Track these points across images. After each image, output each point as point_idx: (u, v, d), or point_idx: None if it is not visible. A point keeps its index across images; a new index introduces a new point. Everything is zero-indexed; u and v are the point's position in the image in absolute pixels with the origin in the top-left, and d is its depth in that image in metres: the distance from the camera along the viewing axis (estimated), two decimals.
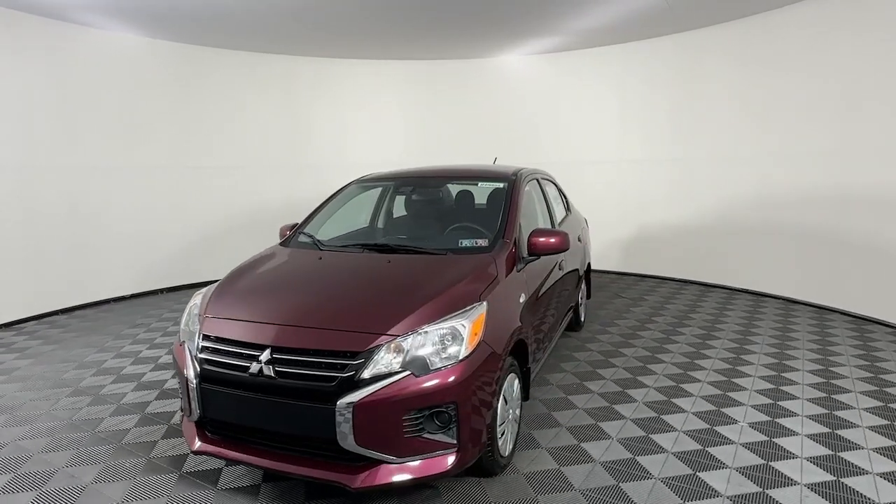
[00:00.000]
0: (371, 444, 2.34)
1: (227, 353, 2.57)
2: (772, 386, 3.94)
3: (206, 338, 2.67)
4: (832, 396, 3.77)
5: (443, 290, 2.70)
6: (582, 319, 5.33)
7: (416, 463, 2.41)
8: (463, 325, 2.52)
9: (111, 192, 6.52)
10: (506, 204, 3.54)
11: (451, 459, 2.44)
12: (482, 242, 3.28)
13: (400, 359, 2.39)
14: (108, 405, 3.76)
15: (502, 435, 2.82)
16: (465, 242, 3.31)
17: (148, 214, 6.88)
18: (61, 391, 4.01)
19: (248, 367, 2.47)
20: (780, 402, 3.68)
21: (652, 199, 7.53)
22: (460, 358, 2.45)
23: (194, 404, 2.61)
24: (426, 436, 2.41)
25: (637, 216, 7.73)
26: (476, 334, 2.55)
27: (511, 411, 2.94)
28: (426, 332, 2.46)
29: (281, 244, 3.63)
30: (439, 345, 2.45)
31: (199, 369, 2.60)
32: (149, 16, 5.85)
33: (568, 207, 5.22)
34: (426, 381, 2.37)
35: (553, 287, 3.91)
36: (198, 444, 2.66)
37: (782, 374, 4.15)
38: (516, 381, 3.02)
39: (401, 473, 2.38)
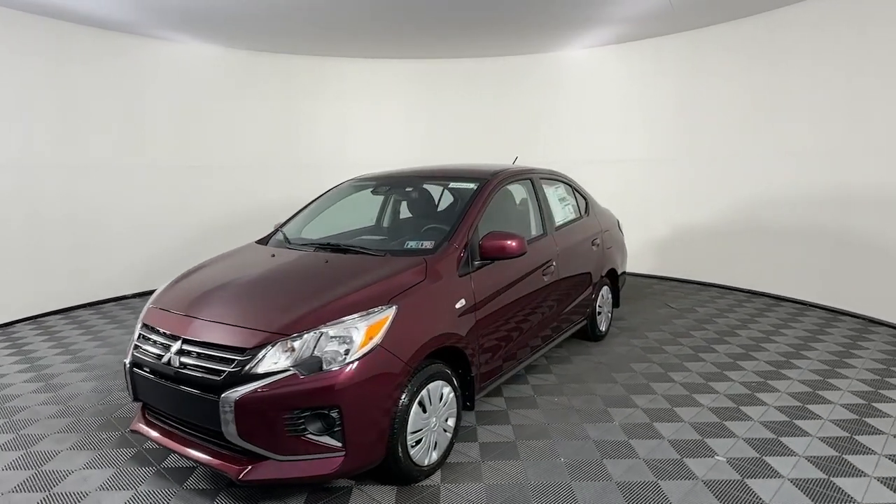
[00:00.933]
0: (253, 440, 2.40)
1: (152, 342, 2.76)
2: None
3: (143, 326, 2.89)
4: None
5: (351, 292, 2.69)
6: (602, 329, 4.99)
7: (300, 462, 2.43)
8: (356, 328, 2.49)
9: (111, 192, 6.47)
10: (465, 206, 3.43)
11: (336, 463, 2.43)
12: (428, 245, 3.20)
13: (290, 358, 2.42)
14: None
15: (418, 443, 2.74)
16: (412, 244, 3.26)
17: (148, 214, 6.81)
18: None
19: (162, 356, 2.64)
20: None
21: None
22: (347, 361, 2.43)
23: (129, 387, 2.84)
24: (310, 437, 2.42)
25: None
26: (371, 338, 2.50)
27: (435, 420, 2.85)
28: (319, 332, 2.46)
29: (257, 241, 3.81)
30: (330, 346, 2.45)
31: (132, 355, 2.82)
32: (146, 14, 5.80)
33: (586, 209, 4.92)
34: (309, 382, 2.37)
35: (533, 294, 3.72)
36: (134, 423, 2.89)
37: None
38: (446, 389, 2.92)
39: (283, 471, 2.41)
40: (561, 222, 4.37)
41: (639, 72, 7.39)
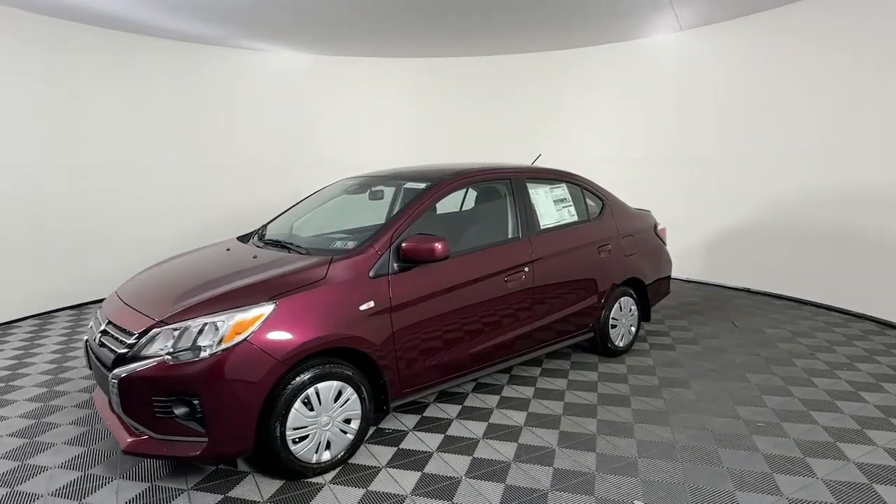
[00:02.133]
0: (133, 416, 2.65)
1: (97, 322, 3.16)
2: None
3: (99, 308, 3.32)
4: None
5: (240, 287, 2.81)
6: (618, 343, 4.54)
7: (173, 442, 2.62)
8: (223, 321, 2.62)
9: (113, 192, 6.48)
10: (400, 208, 3.37)
11: (200, 447, 2.58)
12: (352, 244, 3.21)
13: (169, 344, 2.62)
14: None
15: (302, 439, 2.79)
16: (339, 244, 3.29)
17: (148, 214, 6.81)
18: None
19: (95, 335, 3.02)
20: None
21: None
22: (210, 353, 2.56)
23: (85, 359, 3.27)
24: (179, 420, 2.60)
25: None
26: (239, 333, 2.61)
27: (328, 419, 2.87)
28: (194, 323, 2.63)
29: (238, 237, 4.08)
30: (200, 337, 2.60)
31: (90, 331, 3.26)
32: (151, 12, 5.77)
33: (600, 212, 4.50)
34: (173, 368, 2.55)
35: (491, 301, 3.54)
36: (94, 392, 3.33)
37: None
38: (349, 391, 2.92)
39: (157, 448, 2.63)
40: (550, 225, 4.07)
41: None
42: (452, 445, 3.20)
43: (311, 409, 2.81)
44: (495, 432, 3.35)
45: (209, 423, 2.56)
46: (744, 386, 3.96)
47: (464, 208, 4.23)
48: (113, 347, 2.77)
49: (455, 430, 3.39)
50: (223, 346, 2.58)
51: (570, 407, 3.67)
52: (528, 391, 3.94)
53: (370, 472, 2.93)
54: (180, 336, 2.61)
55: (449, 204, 3.91)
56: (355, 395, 2.97)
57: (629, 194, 5.66)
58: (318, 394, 2.82)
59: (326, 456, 2.90)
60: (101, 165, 6.36)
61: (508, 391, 3.94)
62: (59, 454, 3.14)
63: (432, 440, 3.26)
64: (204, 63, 7.14)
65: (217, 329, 2.60)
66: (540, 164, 5.05)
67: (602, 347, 4.52)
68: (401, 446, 3.20)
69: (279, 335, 2.69)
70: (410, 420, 3.53)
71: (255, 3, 5.54)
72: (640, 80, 7.36)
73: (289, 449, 2.75)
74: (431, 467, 2.96)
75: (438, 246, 3.09)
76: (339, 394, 2.91)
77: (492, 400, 3.80)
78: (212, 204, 7.32)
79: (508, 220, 3.88)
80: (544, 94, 8.06)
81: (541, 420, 3.49)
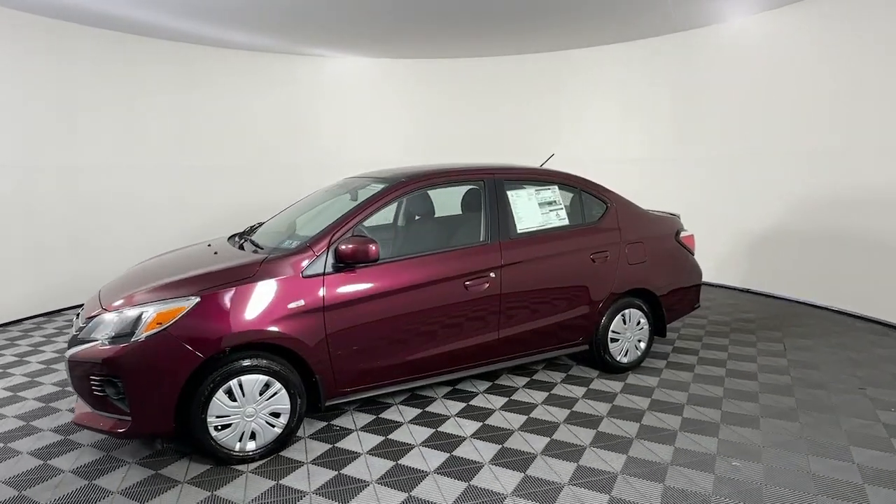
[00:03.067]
0: (79, 392, 2.96)
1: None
2: None
3: None
4: None
5: (173, 280, 3.01)
6: (620, 359, 4.20)
7: (107, 418, 2.89)
8: (146, 311, 2.83)
9: (111, 192, 6.51)
10: (348, 209, 3.40)
11: (126, 425, 2.82)
12: (294, 244, 3.30)
13: (107, 330, 2.89)
14: None
15: (225, 427, 2.94)
16: (287, 243, 3.39)
17: (148, 214, 6.85)
18: None
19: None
20: None
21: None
22: (132, 340, 2.79)
23: None
24: (111, 399, 2.86)
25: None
26: (160, 323, 2.80)
27: (253, 410, 2.98)
28: (125, 311, 2.88)
29: (230, 236, 4.25)
30: (126, 325, 2.84)
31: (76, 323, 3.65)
32: (150, 13, 5.78)
33: (602, 217, 4.18)
34: (104, 352, 2.81)
35: (446, 306, 3.46)
36: None
37: None
38: (277, 386, 3.01)
39: (95, 422, 2.91)
40: (530, 229, 3.86)
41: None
42: (385, 449, 3.17)
43: (234, 400, 2.94)
44: (437, 440, 3.26)
45: (131, 404, 2.79)
46: (749, 433, 3.47)
47: (426, 211, 4.15)
48: (74, 332, 3.11)
49: (400, 434, 3.35)
50: (145, 334, 2.79)
51: (532, 422, 3.47)
52: (499, 401, 3.78)
53: (292, 467, 3.00)
54: (113, 323, 2.86)
55: (415, 206, 3.87)
56: (284, 391, 3.05)
57: (651, 195, 5.38)
58: (241, 386, 2.95)
59: (251, 446, 3.02)
60: (101, 166, 6.38)
61: (479, 400, 3.80)
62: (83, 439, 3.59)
63: (370, 441, 3.26)
64: (203, 64, 7.19)
65: (142, 318, 2.82)
66: (551, 164, 4.82)
67: (600, 362, 4.21)
68: (337, 444, 3.23)
69: (200, 327, 2.85)
70: (363, 419, 3.55)
71: (249, 2, 5.51)
72: (643, 80, 7.33)
73: (210, 435, 2.91)
74: (351, 469, 2.96)
75: (371, 248, 3.09)
76: (267, 387, 3.02)
77: (455, 407, 3.70)
78: (213, 203, 7.34)
79: (476, 224, 3.75)
80: (553, 93, 8.09)
81: (491, 433, 3.34)
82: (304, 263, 3.13)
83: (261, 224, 4.18)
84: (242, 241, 3.75)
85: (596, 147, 7.85)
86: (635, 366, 4.32)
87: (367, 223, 3.50)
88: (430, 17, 6.13)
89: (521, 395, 3.87)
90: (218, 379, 2.89)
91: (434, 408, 3.70)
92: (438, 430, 3.39)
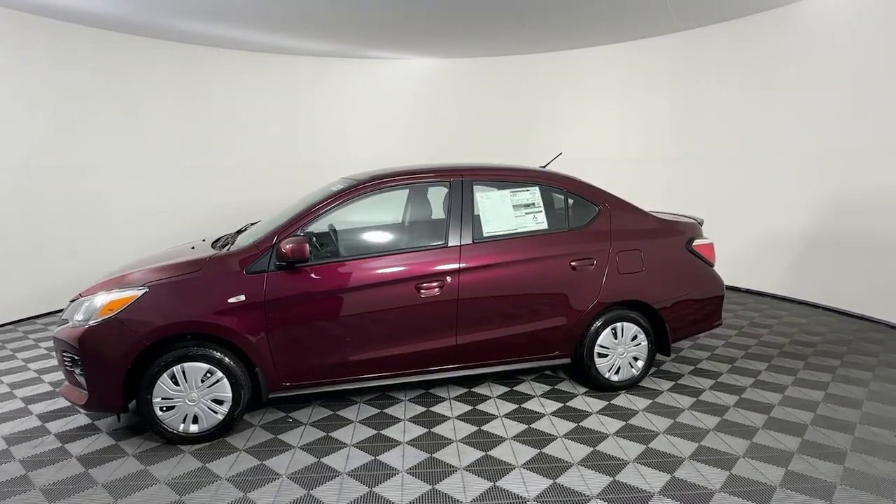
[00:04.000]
0: (60, 365, 3.38)
1: None
2: None
3: None
4: None
5: (130, 273, 3.31)
6: (610, 377, 3.86)
7: (77, 391, 3.27)
8: (101, 299, 3.15)
9: (110, 193, 6.51)
10: (298, 210, 3.49)
11: (85, 399, 3.18)
12: (252, 242, 3.46)
13: (79, 313, 3.27)
14: None
15: (169, 409, 3.18)
16: (252, 241, 3.54)
17: (147, 214, 6.85)
18: None
19: None
20: None
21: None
22: (86, 324, 3.12)
23: None
24: (76, 374, 3.22)
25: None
26: (111, 310, 3.10)
27: (196, 395, 3.20)
28: (92, 299, 3.23)
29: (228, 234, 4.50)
30: (91, 309, 3.18)
31: None
32: (150, 14, 5.80)
33: (590, 221, 3.86)
34: (70, 332, 3.17)
35: (396, 309, 3.44)
36: None
37: None
38: (219, 375, 3.20)
39: (70, 393, 3.30)
40: (498, 233, 3.68)
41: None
42: (317, 447, 3.23)
43: (177, 385, 3.18)
44: (369, 442, 3.25)
45: (87, 380, 3.13)
46: (712, 476, 3.03)
47: (386, 211, 4.10)
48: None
49: (341, 433, 3.38)
50: (98, 319, 3.11)
51: (480, 434, 3.32)
52: (462, 409, 3.67)
53: (227, 452, 3.17)
54: (82, 308, 3.23)
55: (383, 207, 3.87)
56: (225, 380, 3.23)
57: (665, 195, 5.38)
58: (183, 372, 3.17)
59: (194, 428, 3.23)
60: (100, 166, 6.37)
61: (440, 408, 3.70)
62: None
63: (310, 435, 3.34)
64: (203, 64, 7.22)
65: (96, 304, 3.15)
66: (557, 163, 4.55)
67: (587, 379, 3.91)
68: (279, 436, 3.36)
69: (144, 316, 3.11)
70: (320, 413, 3.63)
71: (249, 2, 5.50)
72: (643, 81, 7.27)
73: (156, 415, 3.17)
74: (275, 462, 3.06)
75: (305, 248, 3.17)
76: (210, 375, 3.21)
77: (398, 411, 3.66)
78: (213, 204, 7.31)
79: (437, 226, 3.66)
80: (553, 93, 8.05)
81: (426, 441, 3.26)
82: (248, 261, 3.28)
83: (253, 224, 4.42)
84: (226, 239, 3.99)
85: (600, 147, 7.76)
86: (630, 385, 3.95)
87: (336, 224, 3.59)
88: (428, 17, 6.10)
89: (488, 406, 3.71)
90: (163, 364, 3.14)
91: (364, 411, 3.69)
92: (375, 432, 3.38)
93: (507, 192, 3.79)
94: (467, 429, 3.40)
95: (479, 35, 6.91)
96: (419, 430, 3.39)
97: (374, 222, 3.94)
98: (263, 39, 6.98)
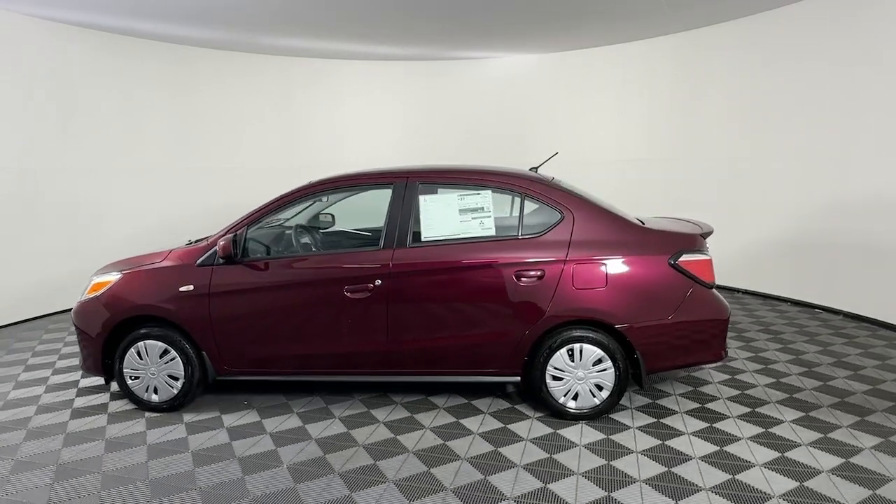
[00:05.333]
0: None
1: None
2: None
3: None
4: None
5: (117, 261, 3.89)
6: (567, 404, 3.48)
7: (82, 356, 3.94)
8: (90, 280, 3.77)
9: (109, 194, 6.53)
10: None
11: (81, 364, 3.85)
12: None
13: (84, 291, 3.94)
14: None
15: (135, 378, 3.68)
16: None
17: (147, 215, 6.88)
18: None
19: None
20: None
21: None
22: (80, 300, 3.77)
23: None
24: (78, 342, 3.90)
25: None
26: (94, 291, 3.71)
27: (155, 370, 3.65)
28: (90, 278, 3.88)
29: None
30: (84, 287, 3.83)
31: None
32: (145, 16, 5.80)
33: (548, 228, 3.51)
34: (75, 306, 3.86)
35: (325, 308, 3.54)
36: None
37: None
38: (172, 353, 3.62)
39: (81, 359, 4.00)
40: (440, 238, 3.53)
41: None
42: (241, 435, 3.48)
43: (141, 359, 3.68)
44: (243, 443, 3.37)
45: (79, 345, 3.79)
46: None
47: (330, 211, 4.13)
48: None
49: (235, 433, 3.50)
50: (86, 297, 3.75)
51: (368, 450, 3.27)
52: (381, 415, 3.60)
53: (172, 423, 3.57)
54: (86, 287, 3.91)
55: (338, 209, 3.95)
56: (178, 359, 3.65)
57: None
58: (145, 349, 3.66)
59: (155, 398, 3.71)
60: (99, 167, 6.40)
61: (357, 419, 3.55)
62: None
63: (230, 420, 3.59)
64: (202, 65, 7.28)
65: (87, 285, 3.79)
66: (557, 164, 4.21)
67: (541, 402, 3.57)
68: (229, 427, 3.68)
69: (116, 298, 3.66)
70: (274, 401, 3.88)
71: (251, 4, 5.52)
72: (642, 81, 7.28)
73: (126, 383, 3.71)
74: (196, 440, 3.38)
75: (227, 245, 3.44)
76: (166, 353, 3.66)
77: (309, 422, 3.59)
78: (213, 204, 7.28)
79: (377, 229, 3.63)
80: (552, 94, 8.00)
81: (285, 448, 3.29)
82: (198, 255, 3.64)
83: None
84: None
85: (597, 147, 7.70)
86: (592, 416, 3.49)
87: (283, 225, 3.81)
88: (428, 17, 6.05)
89: (417, 418, 3.58)
90: (130, 340, 3.66)
91: (265, 415, 3.78)
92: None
93: (454, 195, 3.61)
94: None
95: (479, 35, 6.87)
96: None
97: (321, 224, 4.06)
98: (258, 41, 7.00)
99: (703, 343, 3.46)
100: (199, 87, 7.31)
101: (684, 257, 3.41)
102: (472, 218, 3.56)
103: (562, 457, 3.07)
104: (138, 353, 3.67)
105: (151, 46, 6.82)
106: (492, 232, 3.53)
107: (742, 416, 3.51)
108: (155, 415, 3.70)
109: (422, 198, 3.60)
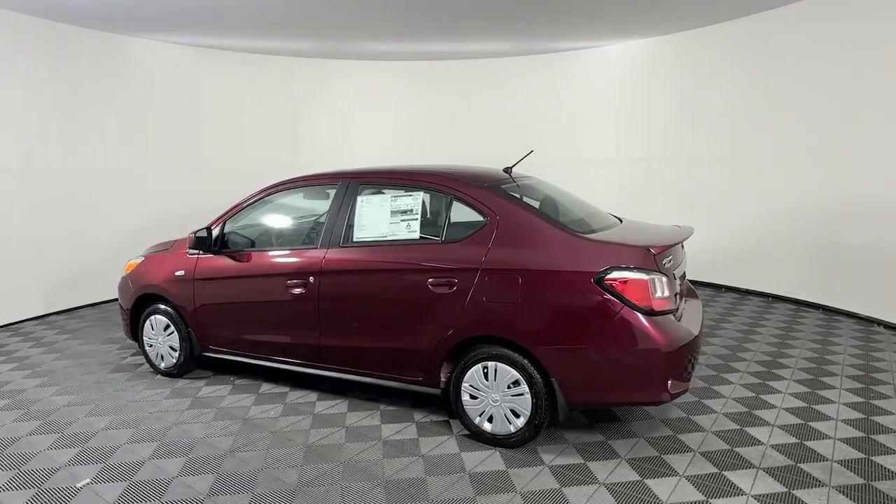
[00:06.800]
0: None
1: None
2: None
3: None
4: None
5: (151, 246, 4.62)
6: (483, 425, 3.20)
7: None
8: (126, 260, 4.57)
9: (110, 195, 6.51)
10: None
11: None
12: None
13: None
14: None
15: (151, 346, 4.39)
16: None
17: (146, 216, 6.86)
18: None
19: None
20: None
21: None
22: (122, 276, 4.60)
23: None
24: None
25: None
26: (127, 270, 4.49)
27: (162, 339, 4.29)
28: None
29: None
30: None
31: None
32: (147, 17, 5.79)
33: (471, 233, 3.26)
34: None
35: (276, 302, 3.77)
36: None
37: None
38: (171, 328, 4.24)
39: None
40: (368, 239, 3.50)
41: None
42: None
43: (153, 329, 4.36)
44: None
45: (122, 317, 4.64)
46: None
47: (295, 209, 4.21)
48: None
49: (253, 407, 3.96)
50: (122, 274, 4.56)
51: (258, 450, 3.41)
52: (278, 409, 3.70)
53: (186, 387, 4.17)
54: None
55: (301, 207, 4.15)
56: (176, 333, 4.26)
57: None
58: (155, 321, 4.34)
59: (162, 365, 4.36)
60: (101, 168, 6.41)
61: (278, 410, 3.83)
62: None
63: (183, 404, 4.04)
64: (204, 66, 7.27)
65: (125, 264, 4.61)
66: (527, 162, 3.87)
67: (454, 413, 3.36)
68: (198, 394, 4.18)
69: (136, 278, 4.39)
70: (229, 382, 4.27)
71: (254, 4, 5.46)
72: (643, 81, 7.23)
73: (145, 349, 4.44)
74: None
75: (190, 235, 3.90)
76: (169, 327, 4.30)
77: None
78: (215, 205, 6.68)
79: (318, 227, 3.74)
80: (547, 95, 8.00)
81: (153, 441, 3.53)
82: (188, 244, 4.16)
83: None
84: None
85: (594, 147, 7.74)
86: (511, 444, 3.16)
87: (250, 222, 4.17)
88: (427, 18, 6.00)
89: (311, 429, 3.63)
90: (147, 313, 4.37)
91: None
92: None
93: (389, 196, 3.55)
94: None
95: (478, 36, 6.84)
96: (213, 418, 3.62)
97: (278, 221, 4.29)
98: (259, 42, 7.05)
99: (637, 379, 2.88)
100: (205, 87, 7.34)
101: (614, 274, 2.87)
102: (401, 220, 3.46)
103: (434, 481, 2.86)
104: (151, 326, 4.36)
105: (153, 47, 6.80)
106: (416, 235, 3.40)
107: (693, 478, 2.83)
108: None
109: (359, 199, 3.62)
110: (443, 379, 3.34)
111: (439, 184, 3.44)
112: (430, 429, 3.42)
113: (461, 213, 3.36)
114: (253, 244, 4.04)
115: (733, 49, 6.33)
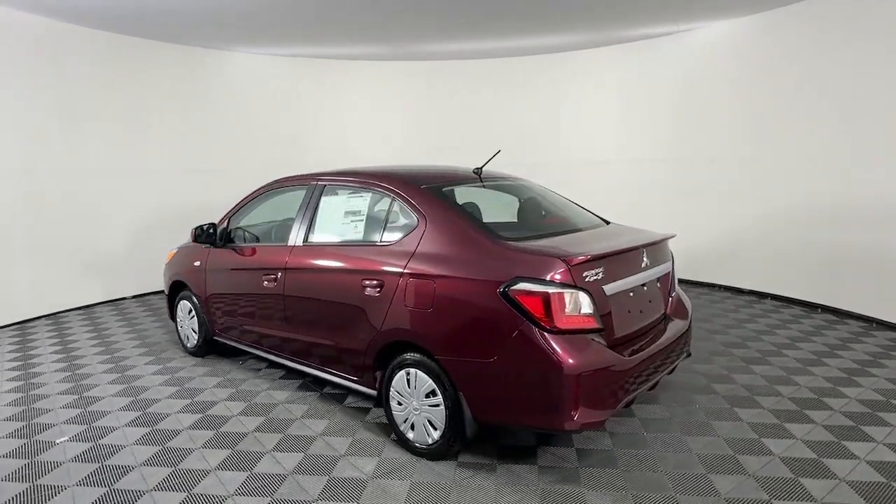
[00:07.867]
0: None
1: None
2: None
3: None
4: None
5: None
6: (408, 433, 3.14)
7: None
8: (167, 250, 5.16)
9: (112, 195, 6.49)
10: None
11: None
12: None
13: None
14: None
15: (182, 328, 4.94)
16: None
17: (146, 217, 6.83)
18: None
19: None
20: None
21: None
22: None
23: None
24: None
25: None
26: (168, 259, 5.08)
27: (186, 325, 4.82)
28: None
29: None
30: None
31: None
32: (147, 17, 5.75)
33: (406, 234, 3.21)
34: None
35: (260, 295, 3.99)
36: None
37: None
38: (192, 313, 4.73)
39: None
40: (323, 239, 3.61)
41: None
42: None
43: (181, 312, 4.88)
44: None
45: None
46: None
47: (279, 208, 4.34)
48: None
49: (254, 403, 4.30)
50: (167, 262, 5.16)
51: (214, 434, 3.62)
52: (233, 407, 3.86)
53: (204, 363, 4.66)
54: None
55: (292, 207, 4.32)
56: (196, 318, 4.73)
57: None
58: (181, 306, 4.87)
59: (189, 345, 4.86)
60: (103, 169, 6.39)
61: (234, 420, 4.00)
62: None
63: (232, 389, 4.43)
64: (206, 67, 7.21)
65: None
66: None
67: (388, 420, 3.34)
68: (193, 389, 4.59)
69: (170, 267, 4.95)
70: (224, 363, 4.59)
71: (253, 3, 5.40)
72: (641, 82, 7.21)
73: (176, 327, 5.00)
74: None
75: (192, 229, 4.29)
76: (191, 312, 4.79)
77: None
78: (217, 206, 6.62)
79: (292, 225, 3.91)
80: (546, 95, 7.93)
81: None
82: (197, 237, 4.57)
83: None
84: None
85: (592, 148, 7.71)
86: (434, 455, 3.05)
87: (248, 220, 4.48)
88: (427, 18, 5.96)
89: (261, 430, 3.74)
90: (179, 298, 4.91)
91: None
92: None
93: (344, 197, 3.61)
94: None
95: (478, 36, 6.77)
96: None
97: (265, 219, 4.51)
98: (261, 43, 6.99)
99: (539, 402, 2.61)
100: (207, 88, 7.29)
101: (520, 286, 2.63)
102: (351, 221, 3.52)
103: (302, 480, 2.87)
104: (180, 310, 4.89)
105: (157, 47, 6.74)
106: (360, 236, 3.42)
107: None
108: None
109: (322, 199, 3.73)
110: (377, 381, 3.32)
111: (381, 185, 3.42)
112: (346, 436, 3.40)
113: (408, 214, 3.29)
114: (245, 240, 4.34)
115: (733, 49, 6.28)
